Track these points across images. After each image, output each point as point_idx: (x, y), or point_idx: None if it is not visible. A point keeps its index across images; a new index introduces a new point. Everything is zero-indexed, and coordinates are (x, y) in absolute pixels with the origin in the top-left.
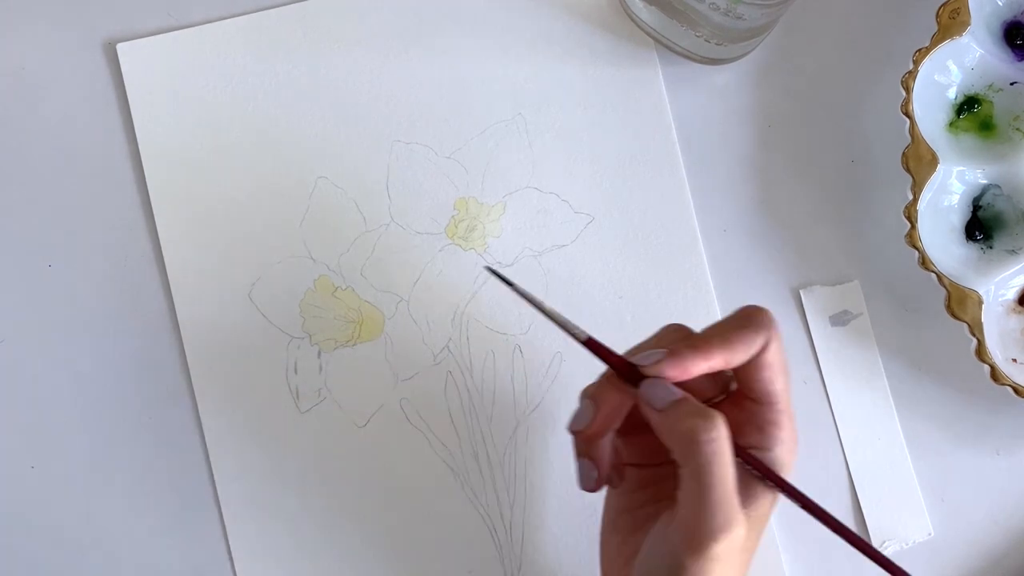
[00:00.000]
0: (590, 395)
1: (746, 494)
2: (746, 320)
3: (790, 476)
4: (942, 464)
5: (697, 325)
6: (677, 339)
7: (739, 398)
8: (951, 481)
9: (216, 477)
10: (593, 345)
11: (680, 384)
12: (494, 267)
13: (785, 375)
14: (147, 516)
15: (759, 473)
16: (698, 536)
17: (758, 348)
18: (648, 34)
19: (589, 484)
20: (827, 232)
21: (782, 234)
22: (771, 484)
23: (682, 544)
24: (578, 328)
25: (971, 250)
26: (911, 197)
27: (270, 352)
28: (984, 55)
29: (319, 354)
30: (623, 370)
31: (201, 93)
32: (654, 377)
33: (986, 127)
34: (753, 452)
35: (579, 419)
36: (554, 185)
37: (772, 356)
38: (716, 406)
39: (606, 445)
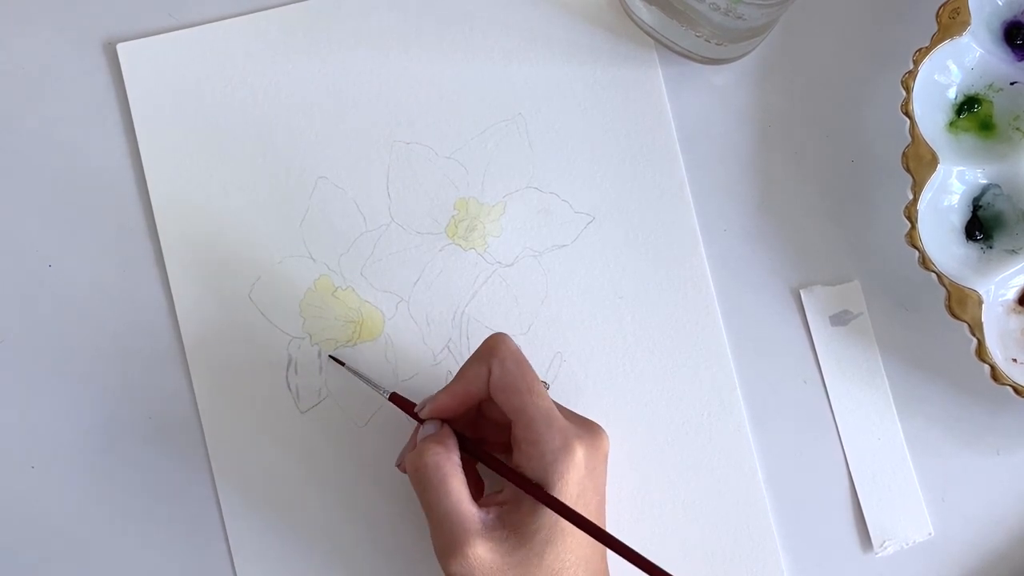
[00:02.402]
0: (408, 443)
1: (520, 511)
2: (476, 352)
3: (579, 476)
4: (942, 464)
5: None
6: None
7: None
8: (951, 481)
9: (216, 477)
10: (396, 399)
11: (476, 425)
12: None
13: (525, 392)
14: (147, 516)
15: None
16: (439, 554)
17: (485, 376)
18: (648, 34)
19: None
20: (827, 232)
21: (782, 234)
22: (534, 496)
23: (437, 555)
24: (381, 387)
25: (971, 250)
26: (911, 197)
27: (270, 352)
28: (984, 55)
29: (319, 354)
30: (410, 412)
31: (201, 93)
32: (428, 419)
33: (986, 127)
34: (522, 469)
35: (398, 457)
36: (554, 185)
37: (497, 379)
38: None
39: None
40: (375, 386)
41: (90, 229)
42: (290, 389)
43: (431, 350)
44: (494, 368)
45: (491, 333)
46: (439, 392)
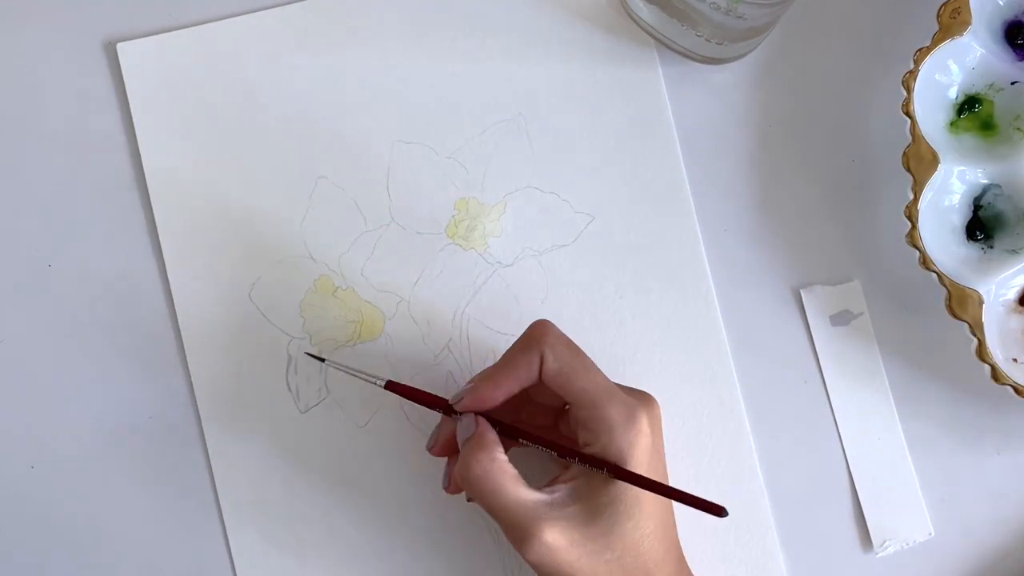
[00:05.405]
0: (439, 425)
1: (590, 486)
2: (522, 340)
3: (642, 452)
4: (942, 464)
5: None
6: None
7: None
8: (951, 481)
9: (216, 477)
10: (396, 387)
11: (516, 407)
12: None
13: (582, 373)
14: (147, 516)
15: (596, 466)
16: (514, 546)
17: (537, 363)
18: (648, 34)
19: (444, 485)
20: (827, 232)
21: (782, 234)
22: (609, 472)
23: (514, 547)
24: (375, 376)
25: (972, 250)
26: (912, 197)
27: (270, 352)
28: (985, 54)
29: (319, 354)
30: (441, 406)
31: (201, 93)
32: (465, 412)
33: (987, 127)
34: (588, 448)
35: (429, 439)
36: (554, 185)
37: (551, 365)
38: (559, 419)
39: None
40: (368, 377)
41: (90, 229)
42: (290, 389)
43: (431, 350)
44: (547, 356)
45: (535, 320)
46: (480, 383)
